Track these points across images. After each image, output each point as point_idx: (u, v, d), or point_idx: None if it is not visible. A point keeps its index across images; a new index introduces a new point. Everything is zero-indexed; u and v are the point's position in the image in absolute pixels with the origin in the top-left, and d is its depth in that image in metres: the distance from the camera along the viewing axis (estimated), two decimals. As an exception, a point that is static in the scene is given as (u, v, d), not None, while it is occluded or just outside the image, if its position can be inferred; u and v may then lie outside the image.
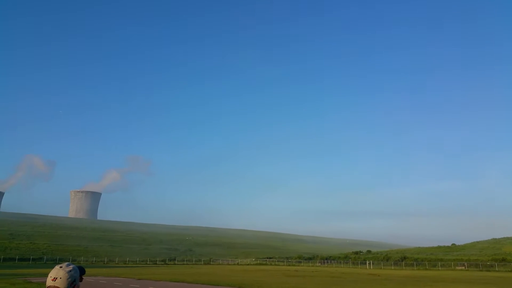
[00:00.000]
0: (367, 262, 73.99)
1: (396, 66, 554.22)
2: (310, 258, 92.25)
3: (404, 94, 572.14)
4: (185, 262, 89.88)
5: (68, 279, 2.36)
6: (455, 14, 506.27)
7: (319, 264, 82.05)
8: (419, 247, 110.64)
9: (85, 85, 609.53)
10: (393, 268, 68.50)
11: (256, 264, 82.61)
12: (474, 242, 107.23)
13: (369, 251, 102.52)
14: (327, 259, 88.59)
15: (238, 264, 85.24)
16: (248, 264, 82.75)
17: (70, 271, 2.40)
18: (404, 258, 77.60)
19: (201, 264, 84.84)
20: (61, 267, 2.41)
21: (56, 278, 2.34)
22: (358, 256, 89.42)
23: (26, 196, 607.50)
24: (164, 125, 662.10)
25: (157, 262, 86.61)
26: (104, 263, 77.90)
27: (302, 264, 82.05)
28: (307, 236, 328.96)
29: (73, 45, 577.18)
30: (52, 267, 2.51)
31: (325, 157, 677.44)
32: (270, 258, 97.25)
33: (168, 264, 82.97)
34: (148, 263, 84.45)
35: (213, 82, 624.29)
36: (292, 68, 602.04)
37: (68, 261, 66.92)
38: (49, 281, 2.36)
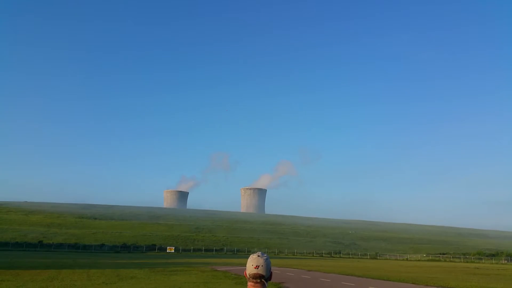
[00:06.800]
0: None
1: None
2: (493, 255, 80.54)
3: None
4: (350, 256, 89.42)
5: (267, 266, 2.69)
6: None
7: (505, 261, 70.99)
8: None
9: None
10: None
11: (428, 260, 76.41)
12: None
13: None
14: (517, 256, 75.95)
15: (407, 259, 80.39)
16: (418, 260, 77.23)
17: (267, 259, 2.73)
18: None
19: (367, 258, 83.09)
20: (258, 256, 2.70)
21: (259, 266, 2.64)
22: (562, 254, 73.86)
23: (205, 194, 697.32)
24: (333, 121, 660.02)
25: (323, 255, 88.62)
26: (275, 254, 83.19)
27: (483, 261, 72.37)
28: (488, 230, 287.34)
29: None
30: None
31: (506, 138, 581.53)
32: (443, 254, 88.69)
33: (334, 257, 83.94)
34: (314, 255, 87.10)
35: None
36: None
37: (244, 252, 73.03)
38: (251, 269, 2.65)
